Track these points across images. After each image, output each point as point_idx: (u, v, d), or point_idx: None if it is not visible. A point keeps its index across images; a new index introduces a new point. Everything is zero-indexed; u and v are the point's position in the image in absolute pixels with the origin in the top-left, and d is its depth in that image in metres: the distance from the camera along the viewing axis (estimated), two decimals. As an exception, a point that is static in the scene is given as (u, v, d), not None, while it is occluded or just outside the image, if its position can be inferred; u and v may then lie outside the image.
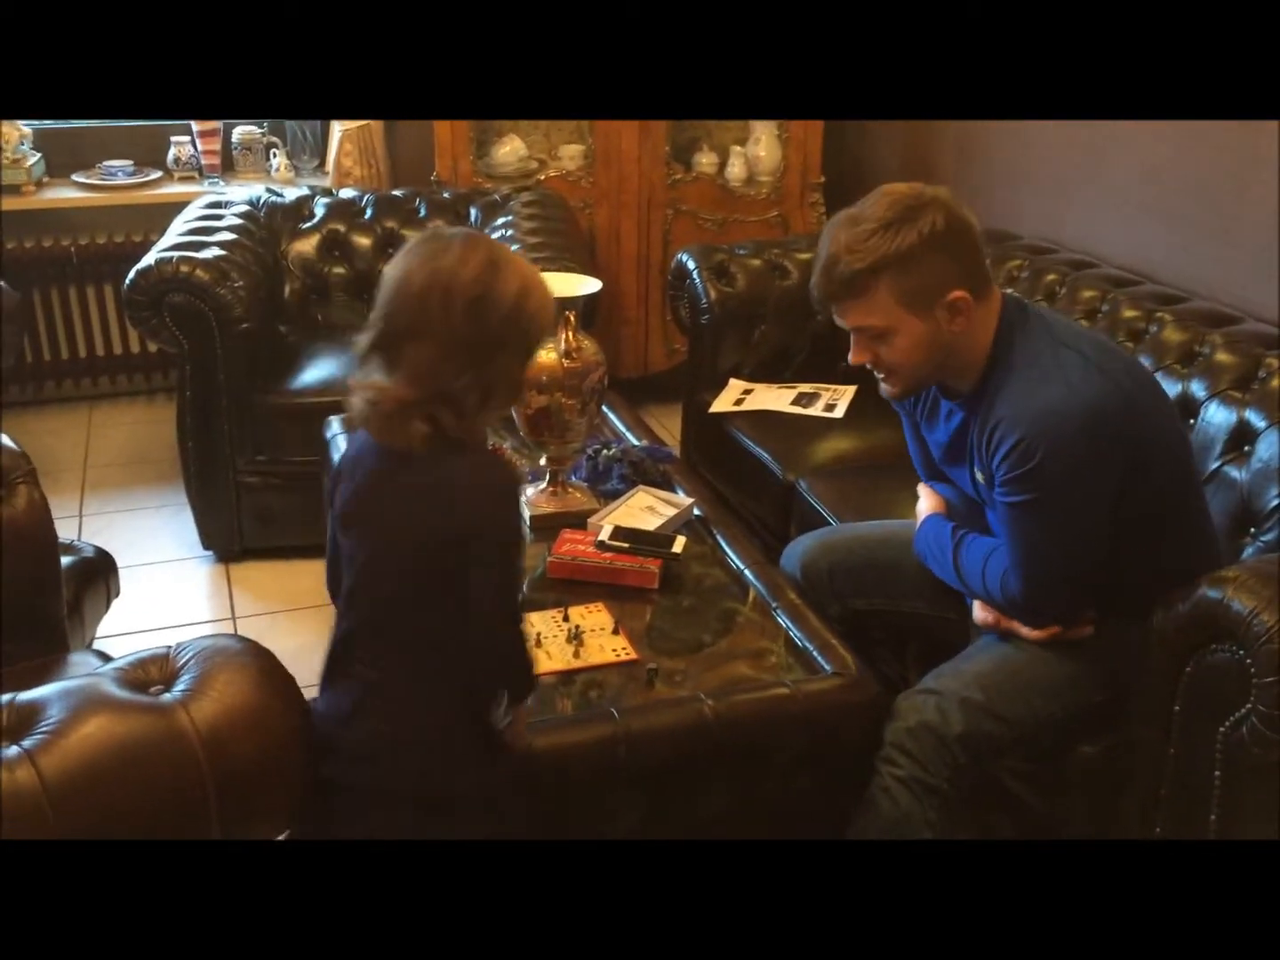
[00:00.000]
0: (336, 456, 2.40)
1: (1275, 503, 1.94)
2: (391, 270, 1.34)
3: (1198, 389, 2.17)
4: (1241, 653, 1.46)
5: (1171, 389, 2.18)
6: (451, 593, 1.36)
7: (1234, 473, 2.03)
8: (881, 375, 1.77)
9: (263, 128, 3.83)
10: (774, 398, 2.93)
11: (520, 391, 1.47)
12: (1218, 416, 2.10)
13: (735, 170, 3.78)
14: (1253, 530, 1.99)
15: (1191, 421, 2.14)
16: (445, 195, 3.50)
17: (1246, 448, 2.03)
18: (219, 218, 3.17)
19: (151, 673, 1.26)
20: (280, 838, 1.38)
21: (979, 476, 1.77)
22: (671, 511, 2.12)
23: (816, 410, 2.86)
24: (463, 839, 1.28)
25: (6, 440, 1.82)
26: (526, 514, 2.08)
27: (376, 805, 1.37)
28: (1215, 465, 2.07)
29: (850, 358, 1.75)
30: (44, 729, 1.13)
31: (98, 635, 2.17)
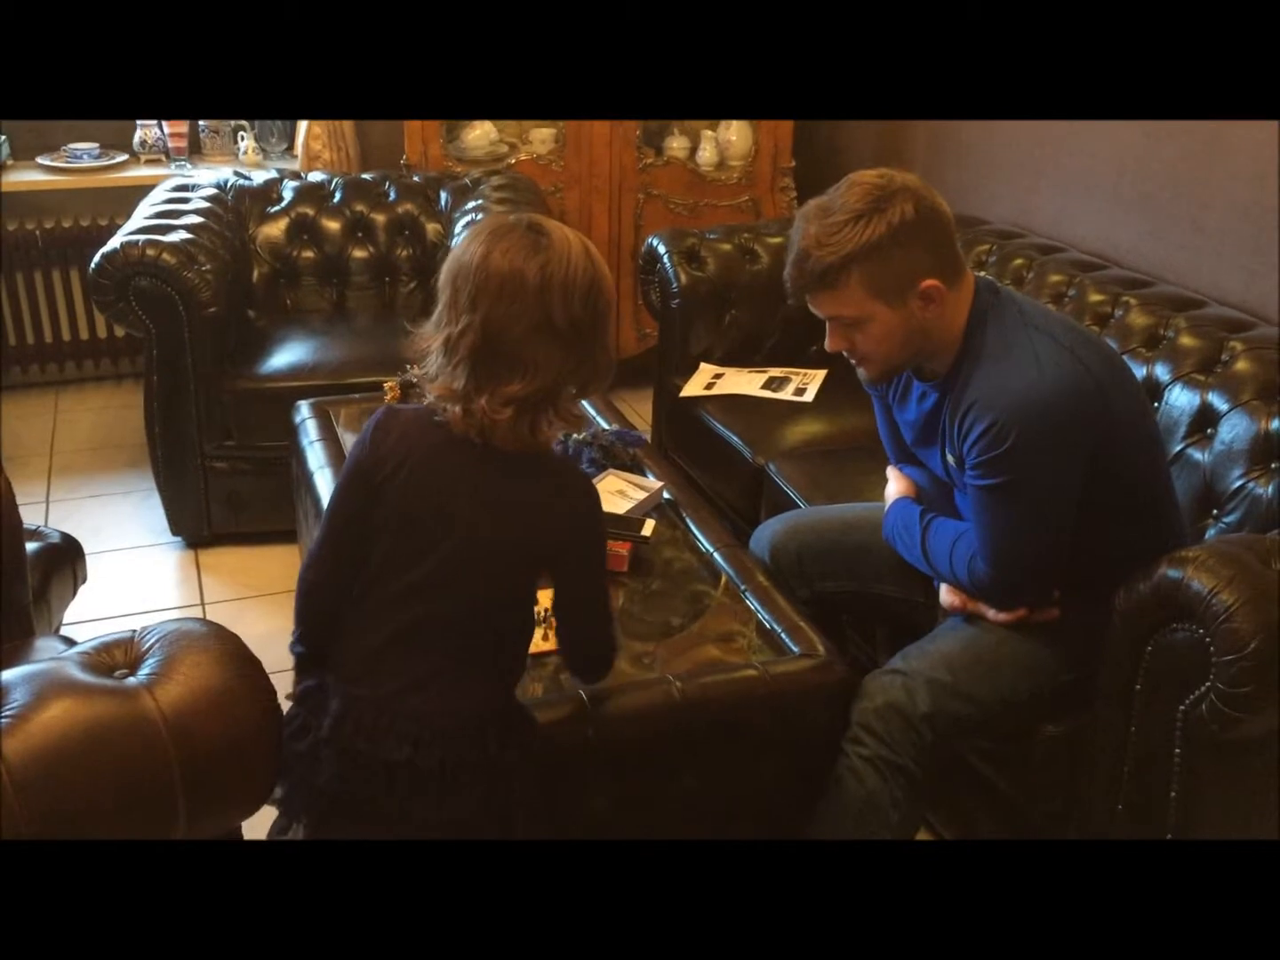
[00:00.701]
0: (306, 441, 2.39)
1: (1237, 484, 1.97)
2: (490, 270, 1.27)
3: (1162, 372, 2.19)
4: (1201, 631, 1.48)
5: (1136, 372, 2.20)
6: (531, 588, 1.42)
7: (1197, 455, 2.06)
8: (857, 361, 1.78)
9: (230, 110, 3.80)
10: (744, 382, 2.94)
11: (612, 371, 1.40)
12: (1181, 399, 2.13)
13: (706, 155, 3.78)
14: (1215, 512, 2.01)
15: (1156, 404, 2.16)
16: (415, 179, 3.48)
17: (1209, 430, 2.06)
18: (186, 201, 3.14)
19: (116, 656, 1.26)
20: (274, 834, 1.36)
21: (950, 459, 1.78)
22: (641, 495, 2.13)
23: (786, 394, 2.87)
24: (505, 805, 1.36)
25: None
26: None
27: (450, 778, 1.35)
28: (1179, 448, 2.09)
29: (827, 345, 1.76)
30: (7, 713, 1.12)
31: (65, 622, 2.15)
